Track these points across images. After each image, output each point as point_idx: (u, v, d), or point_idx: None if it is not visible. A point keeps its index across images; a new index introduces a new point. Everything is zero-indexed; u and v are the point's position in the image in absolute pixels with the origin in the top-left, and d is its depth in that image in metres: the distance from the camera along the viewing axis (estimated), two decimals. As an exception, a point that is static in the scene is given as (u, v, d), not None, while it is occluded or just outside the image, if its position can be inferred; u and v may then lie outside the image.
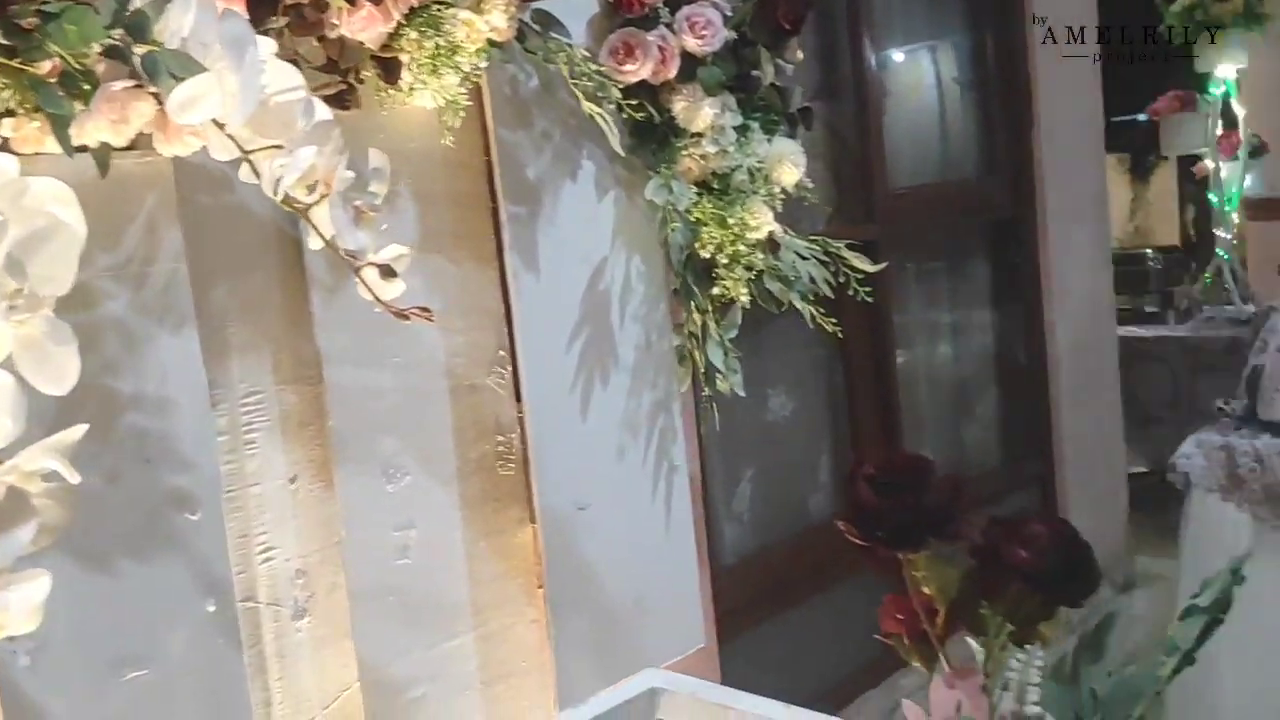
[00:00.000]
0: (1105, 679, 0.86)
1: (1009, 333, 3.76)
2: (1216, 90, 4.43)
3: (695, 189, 1.83)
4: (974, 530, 0.85)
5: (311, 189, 1.11)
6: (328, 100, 1.46)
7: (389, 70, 1.46)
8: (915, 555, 0.86)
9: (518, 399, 1.77)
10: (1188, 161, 5.44)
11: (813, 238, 1.96)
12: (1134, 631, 3.74)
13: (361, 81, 1.50)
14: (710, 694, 1.37)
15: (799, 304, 1.96)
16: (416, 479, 1.67)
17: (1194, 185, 5.56)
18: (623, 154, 1.74)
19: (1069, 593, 0.83)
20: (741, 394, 1.89)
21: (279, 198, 1.10)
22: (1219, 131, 4.52)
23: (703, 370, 1.92)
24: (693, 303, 1.88)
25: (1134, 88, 5.33)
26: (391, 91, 1.52)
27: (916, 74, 3.60)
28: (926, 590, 0.88)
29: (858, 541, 0.85)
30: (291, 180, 1.08)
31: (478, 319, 1.74)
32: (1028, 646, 0.83)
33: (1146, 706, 0.84)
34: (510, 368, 1.76)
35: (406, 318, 1.12)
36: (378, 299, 1.10)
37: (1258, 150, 4.58)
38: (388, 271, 1.08)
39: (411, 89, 1.52)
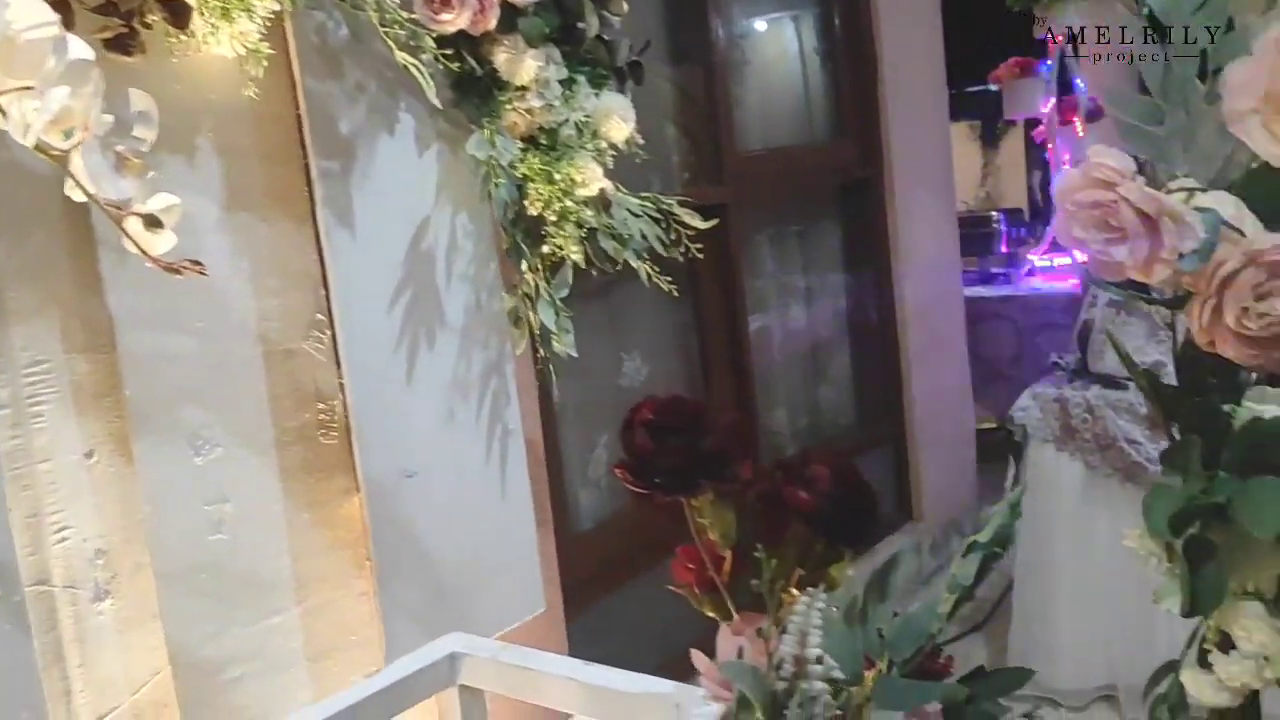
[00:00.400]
0: (891, 619, 0.86)
1: (861, 294, 3.83)
2: (1053, 56, 4.56)
3: (521, 144, 1.78)
4: (751, 473, 0.83)
5: (68, 134, 1.02)
6: (108, 45, 1.37)
7: (176, 14, 1.37)
8: (698, 501, 0.84)
9: (338, 364, 1.70)
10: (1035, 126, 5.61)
11: (644, 195, 1.93)
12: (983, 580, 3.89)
13: (148, 26, 1.40)
14: (510, 656, 1.33)
15: (634, 262, 1.93)
16: (228, 450, 1.58)
17: (1039, 149, 5.75)
18: (441, 107, 1.68)
19: (850, 534, 0.83)
20: (574, 355, 1.85)
21: (30, 143, 1.01)
22: (1055, 97, 4.67)
23: (537, 331, 1.88)
24: (524, 262, 1.83)
25: (986, 56, 5.47)
26: (183, 37, 1.42)
27: (768, 42, 3.62)
28: (712, 536, 0.87)
29: (635, 489, 0.83)
30: (42, 124, 0.99)
31: (292, 280, 1.66)
32: (810, 589, 0.82)
33: (930, 642, 0.84)
34: (329, 331, 1.69)
35: (178, 272, 1.04)
36: (144, 253, 1.02)
37: (1094, 114, 4.74)
38: (152, 222, 1.00)
39: (206, 36, 1.42)
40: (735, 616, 0.85)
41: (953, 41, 4.12)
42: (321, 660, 1.71)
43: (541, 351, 1.90)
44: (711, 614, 0.89)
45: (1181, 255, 0.78)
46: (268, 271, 1.63)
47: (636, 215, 1.89)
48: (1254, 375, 0.88)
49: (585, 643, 2.50)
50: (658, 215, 1.92)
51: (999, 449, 3.84)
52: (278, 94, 1.62)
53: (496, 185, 1.72)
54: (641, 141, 1.90)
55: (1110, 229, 0.77)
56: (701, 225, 1.91)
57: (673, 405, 0.83)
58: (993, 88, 5.70)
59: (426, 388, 1.77)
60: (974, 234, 4.66)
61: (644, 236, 1.88)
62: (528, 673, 1.26)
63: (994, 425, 4.31)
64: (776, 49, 3.65)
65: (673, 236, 1.92)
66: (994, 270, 4.76)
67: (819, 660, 0.77)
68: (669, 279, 1.94)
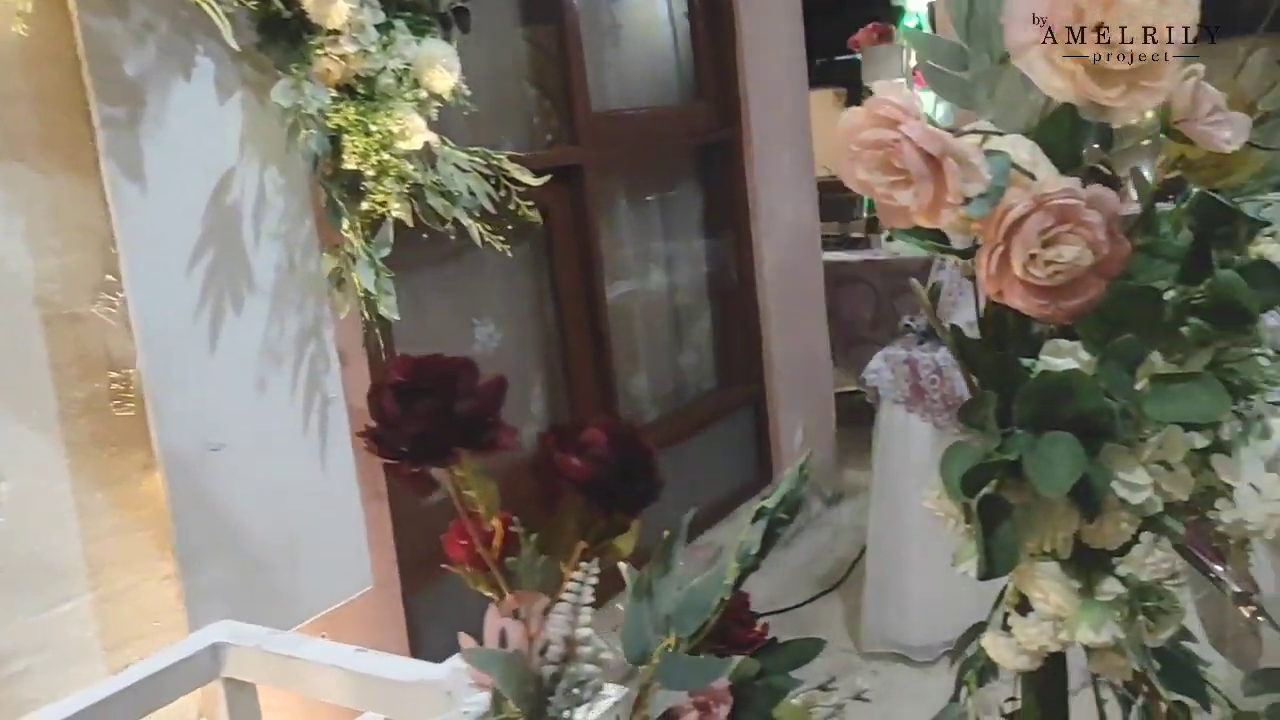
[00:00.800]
0: (676, 592, 0.80)
1: (720, 258, 3.80)
2: (910, 22, 4.60)
3: (337, 93, 1.66)
4: (513, 439, 0.76)
5: None
6: None
7: (-87, -67, 1.21)
8: (462, 471, 0.77)
9: (131, 329, 1.56)
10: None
11: (473, 150, 1.83)
12: (841, 541, 3.93)
13: (-115, -52, 1.25)
14: (276, 645, 1.24)
15: (465, 220, 1.84)
16: (2, 425, 1.44)
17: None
18: (239, 49, 1.55)
19: (628, 503, 0.77)
20: (395, 318, 1.75)
21: None
22: (914, 63, 4.72)
23: (361, 294, 1.77)
24: (343, 220, 1.72)
25: (853, 25, 5.50)
26: (-72, -37, 1.27)
27: (630, 3, 3.54)
28: (479, 509, 0.80)
29: (384, 459, 0.75)
30: None
31: (75, 238, 1.52)
32: (584, 564, 0.75)
33: (716, 614, 0.79)
34: (121, 294, 1.55)
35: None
36: None
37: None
38: None
39: (-44, -39, 1.28)
40: (507, 596, 0.78)
41: (817, 9, 4.10)
42: (120, 649, 1.58)
43: (366, 315, 1.80)
44: (488, 594, 0.82)
45: (968, 200, 0.73)
46: (46, 229, 1.49)
47: (464, 170, 1.79)
48: (1049, 327, 0.84)
49: (432, 620, 2.42)
50: (488, 171, 1.83)
51: (861, 413, 3.87)
52: (53, 32, 1.47)
53: (306, 136, 1.60)
54: (469, 93, 1.80)
55: (894, 171, 0.72)
56: (533, 183, 1.83)
57: (427, 366, 0.75)
58: (858, 57, 5.74)
59: (233, 354, 1.64)
60: (835, 199, 4.67)
61: (472, 193, 1.78)
62: (293, 662, 1.17)
63: (853, 389, 4.35)
64: (637, 10, 3.57)
65: (502, 194, 1.83)
66: (854, 235, 4.79)
67: (586, 640, 0.71)
68: (502, 239, 1.86)
